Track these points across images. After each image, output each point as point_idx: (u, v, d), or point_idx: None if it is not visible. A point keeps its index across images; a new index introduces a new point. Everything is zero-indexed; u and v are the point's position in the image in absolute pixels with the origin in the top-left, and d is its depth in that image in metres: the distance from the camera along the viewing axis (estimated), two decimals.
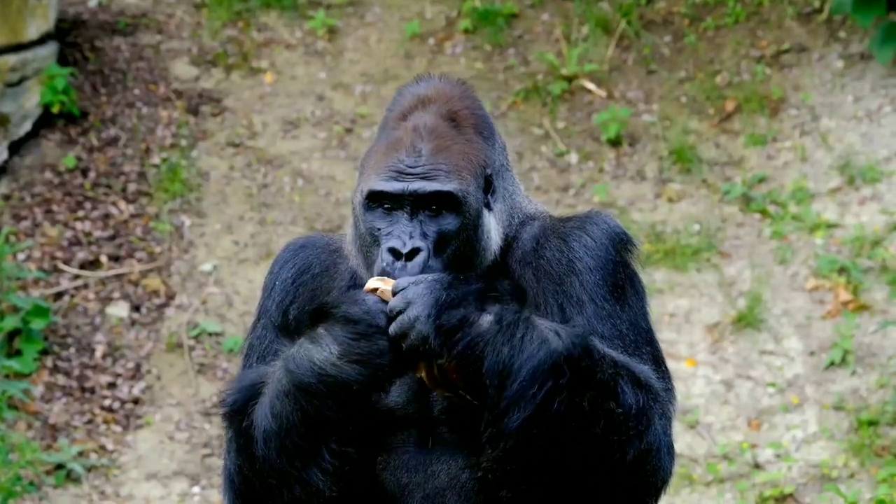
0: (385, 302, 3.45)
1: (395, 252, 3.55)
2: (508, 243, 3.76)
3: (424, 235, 3.59)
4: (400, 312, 3.41)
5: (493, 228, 3.71)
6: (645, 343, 3.67)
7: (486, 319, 3.42)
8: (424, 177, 3.60)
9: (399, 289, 3.43)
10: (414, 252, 3.56)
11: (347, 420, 3.48)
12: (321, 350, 3.44)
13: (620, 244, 3.69)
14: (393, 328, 3.41)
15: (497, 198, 3.74)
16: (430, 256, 3.57)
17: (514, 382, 3.39)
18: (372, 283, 3.49)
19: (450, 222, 3.61)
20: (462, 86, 3.80)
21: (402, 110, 3.73)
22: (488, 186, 3.71)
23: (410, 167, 3.61)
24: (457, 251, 3.62)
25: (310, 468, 3.50)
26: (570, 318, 3.61)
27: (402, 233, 3.58)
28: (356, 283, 3.74)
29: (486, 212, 3.69)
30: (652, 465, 3.52)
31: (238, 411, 3.60)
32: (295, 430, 3.48)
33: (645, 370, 3.56)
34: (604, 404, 3.43)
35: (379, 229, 3.61)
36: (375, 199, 3.61)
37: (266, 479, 3.54)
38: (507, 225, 3.77)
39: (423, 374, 3.46)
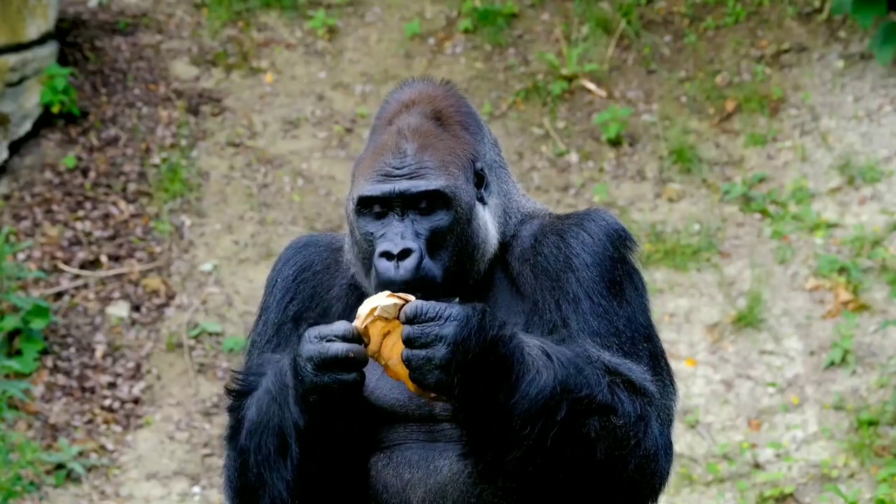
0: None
1: (387, 255, 3.56)
2: (508, 241, 3.76)
3: (417, 235, 3.59)
4: (418, 345, 3.38)
5: (490, 222, 3.71)
6: (643, 340, 3.66)
7: (490, 362, 3.40)
8: (411, 176, 3.60)
9: (423, 318, 3.39)
10: (405, 253, 3.55)
11: (322, 432, 3.51)
12: (288, 371, 3.49)
13: (619, 240, 3.69)
14: (408, 359, 3.39)
15: (491, 192, 3.74)
16: (424, 256, 3.57)
17: (506, 424, 3.40)
18: (368, 304, 3.45)
19: (441, 218, 3.61)
20: (445, 86, 3.81)
21: (387, 116, 3.75)
22: (480, 181, 3.71)
23: (397, 168, 3.61)
24: (454, 248, 3.62)
25: (273, 472, 3.55)
26: (566, 315, 3.60)
27: (394, 234, 3.58)
28: (356, 282, 3.77)
29: (479, 206, 3.69)
30: (651, 468, 3.53)
31: (239, 397, 3.66)
32: (270, 432, 3.52)
33: (639, 372, 3.56)
34: (606, 423, 3.44)
35: (372, 233, 3.62)
36: (366, 205, 3.62)
37: (251, 468, 3.59)
38: (504, 221, 3.77)
39: (412, 387, 3.46)
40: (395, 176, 3.60)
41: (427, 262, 3.57)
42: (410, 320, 3.38)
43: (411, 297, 3.42)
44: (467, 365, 3.35)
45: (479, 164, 3.71)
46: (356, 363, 3.42)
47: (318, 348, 3.41)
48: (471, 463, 3.51)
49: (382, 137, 3.69)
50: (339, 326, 3.43)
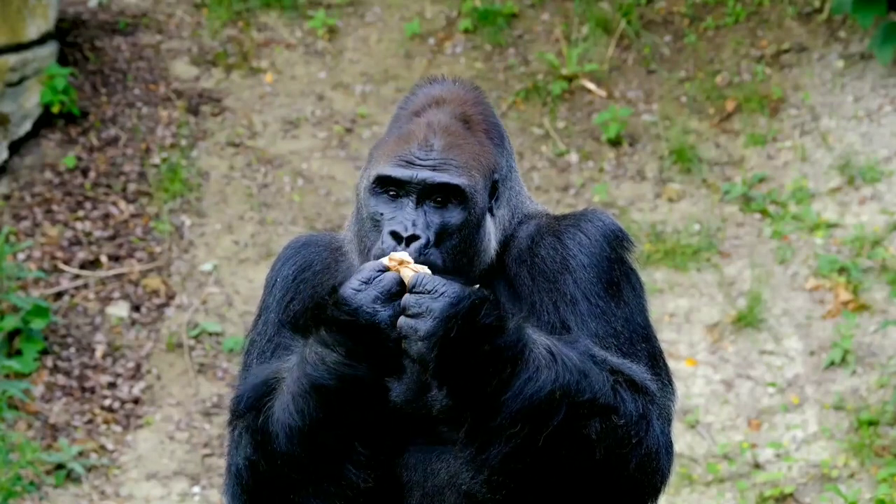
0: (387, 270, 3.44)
1: (396, 235, 3.56)
2: (506, 242, 3.76)
3: (427, 226, 3.59)
4: (410, 314, 3.40)
5: (493, 233, 3.71)
6: (641, 340, 3.66)
7: (484, 351, 3.40)
8: (435, 168, 3.61)
9: (419, 288, 3.41)
10: (413, 238, 3.56)
11: (370, 411, 3.48)
12: (330, 352, 3.44)
13: (616, 241, 3.69)
14: (400, 326, 3.40)
15: (501, 204, 3.75)
16: (430, 245, 3.57)
17: (494, 418, 3.39)
18: (385, 259, 3.46)
19: (454, 216, 3.62)
20: (476, 91, 3.82)
21: (415, 108, 3.75)
22: (493, 192, 3.71)
23: (421, 159, 3.62)
24: (457, 247, 3.62)
25: (342, 463, 3.50)
26: (563, 317, 3.60)
27: (406, 219, 3.59)
28: None
29: (488, 215, 3.69)
30: (652, 467, 3.53)
31: (252, 408, 3.60)
32: (322, 427, 3.48)
33: (640, 372, 3.56)
34: (608, 424, 3.44)
35: (382, 214, 3.61)
36: (382, 184, 3.62)
37: (289, 473, 3.53)
38: (508, 227, 3.77)
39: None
40: (418, 164, 3.61)
41: (432, 250, 3.57)
42: (411, 289, 3.40)
43: (426, 270, 3.45)
44: (449, 343, 3.35)
45: (496, 176, 3.72)
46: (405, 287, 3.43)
47: (376, 288, 3.40)
48: (459, 448, 3.50)
49: (409, 126, 3.69)
50: (371, 265, 3.44)
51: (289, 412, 3.50)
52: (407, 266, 3.44)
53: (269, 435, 3.53)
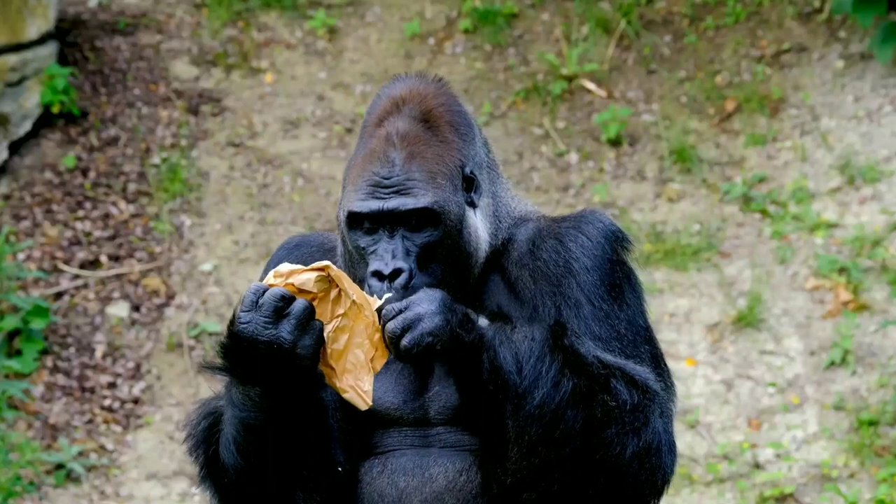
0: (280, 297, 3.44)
1: (378, 275, 3.57)
2: (503, 245, 3.76)
3: (407, 252, 3.61)
4: (400, 312, 3.43)
5: (480, 226, 3.72)
6: (644, 342, 3.67)
7: (483, 321, 3.46)
8: (399, 191, 3.61)
9: (395, 294, 3.48)
10: (396, 273, 3.57)
11: (308, 435, 3.54)
12: (251, 387, 3.50)
13: (616, 242, 3.70)
14: (396, 324, 3.42)
15: (481, 193, 3.75)
16: (415, 274, 3.59)
17: (527, 363, 3.43)
18: (281, 273, 3.45)
19: (431, 234, 3.63)
20: (437, 83, 3.79)
21: (377, 115, 3.74)
22: (470, 184, 3.71)
23: (385, 178, 3.61)
24: (446, 260, 3.64)
25: (291, 490, 3.57)
26: (567, 321, 3.61)
27: (385, 251, 3.60)
28: None
29: (469, 211, 3.69)
30: (652, 463, 3.52)
31: (203, 441, 3.70)
32: (261, 461, 3.55)
33: (640, 370, 3.56)
34: (597, 395, 3.45)
35: (364, 248, 3.63)
36: (356, 220, 3.63)
37: (244, 501, 3.62)
38: (495, 223, 3.78)
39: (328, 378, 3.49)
40: (384, 187, 3.61)
41: (417, 278, 3.58)
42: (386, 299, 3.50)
43: (328, 263, 3.44)
44: (446, 309, 3.46)
45: (467, 169, 3.70)
46: (293, 297, 3.43)
47: (261, 313, 3.40)
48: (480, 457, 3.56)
49: (371, 143, 3.68)
50: (251, 289, 3.44)
51: (230, 451, 3.58)
52: (298, 273, 3.42)
53: (221, 469, 3.63)
